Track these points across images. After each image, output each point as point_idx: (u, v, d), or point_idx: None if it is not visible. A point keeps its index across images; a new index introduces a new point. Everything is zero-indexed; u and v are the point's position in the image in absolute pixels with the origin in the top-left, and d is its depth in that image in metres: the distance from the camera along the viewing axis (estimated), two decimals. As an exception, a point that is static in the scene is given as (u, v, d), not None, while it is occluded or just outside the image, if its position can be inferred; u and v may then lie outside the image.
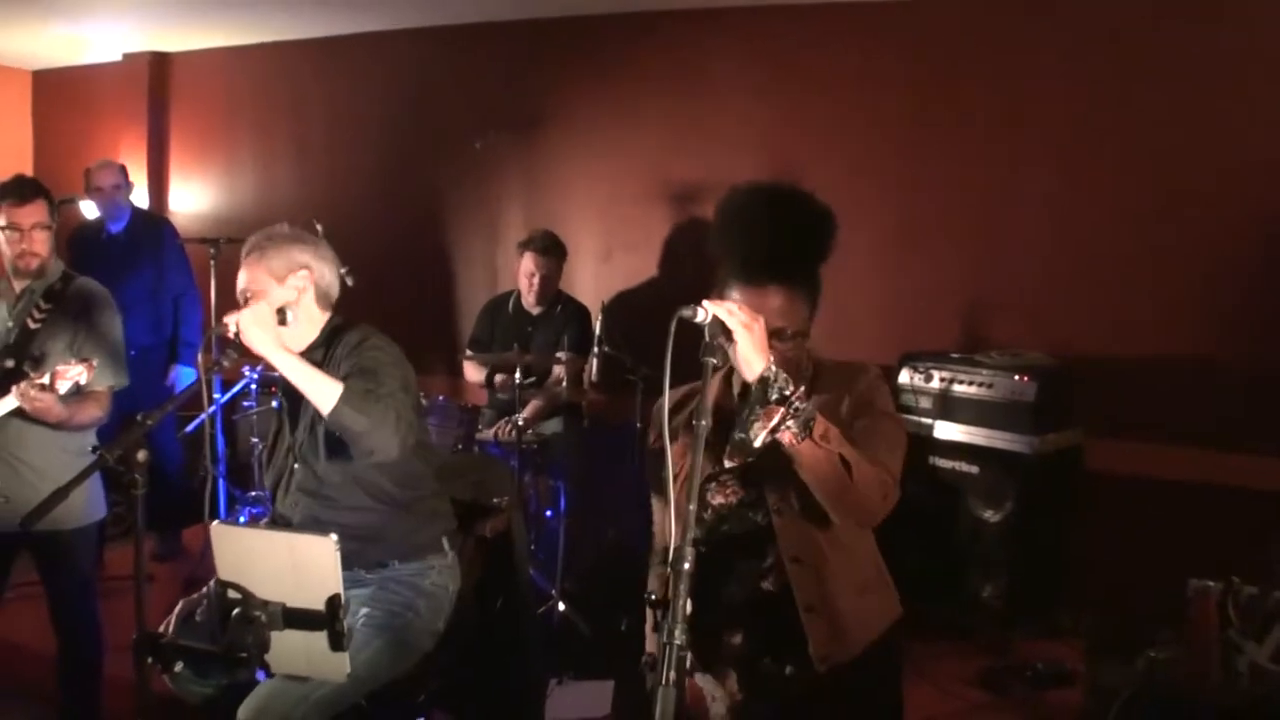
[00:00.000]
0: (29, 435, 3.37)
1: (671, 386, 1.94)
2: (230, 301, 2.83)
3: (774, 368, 2.05)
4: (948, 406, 4.49)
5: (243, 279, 2.90)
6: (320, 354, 2.90)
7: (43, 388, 3.11)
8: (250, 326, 2.64)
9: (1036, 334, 4.76)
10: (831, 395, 2.34)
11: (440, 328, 6.35)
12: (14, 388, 3.16)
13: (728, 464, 2.38)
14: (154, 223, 5.98)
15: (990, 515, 4.36)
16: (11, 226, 3.44)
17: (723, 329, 2.01)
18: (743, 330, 2.02)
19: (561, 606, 4.71)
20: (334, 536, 2.33)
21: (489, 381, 5.23)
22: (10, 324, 3.46)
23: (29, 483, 3.34)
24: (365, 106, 6.63)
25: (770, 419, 2.06)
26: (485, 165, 6.23)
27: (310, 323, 2.94)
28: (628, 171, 5.85)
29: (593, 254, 5.94)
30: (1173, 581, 3.37)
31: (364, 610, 2.81)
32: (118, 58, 7.28)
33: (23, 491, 3.30)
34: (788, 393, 2.05)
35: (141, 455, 2.32)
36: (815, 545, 2.31)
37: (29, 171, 7.10)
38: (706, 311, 1.98)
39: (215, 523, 2.41)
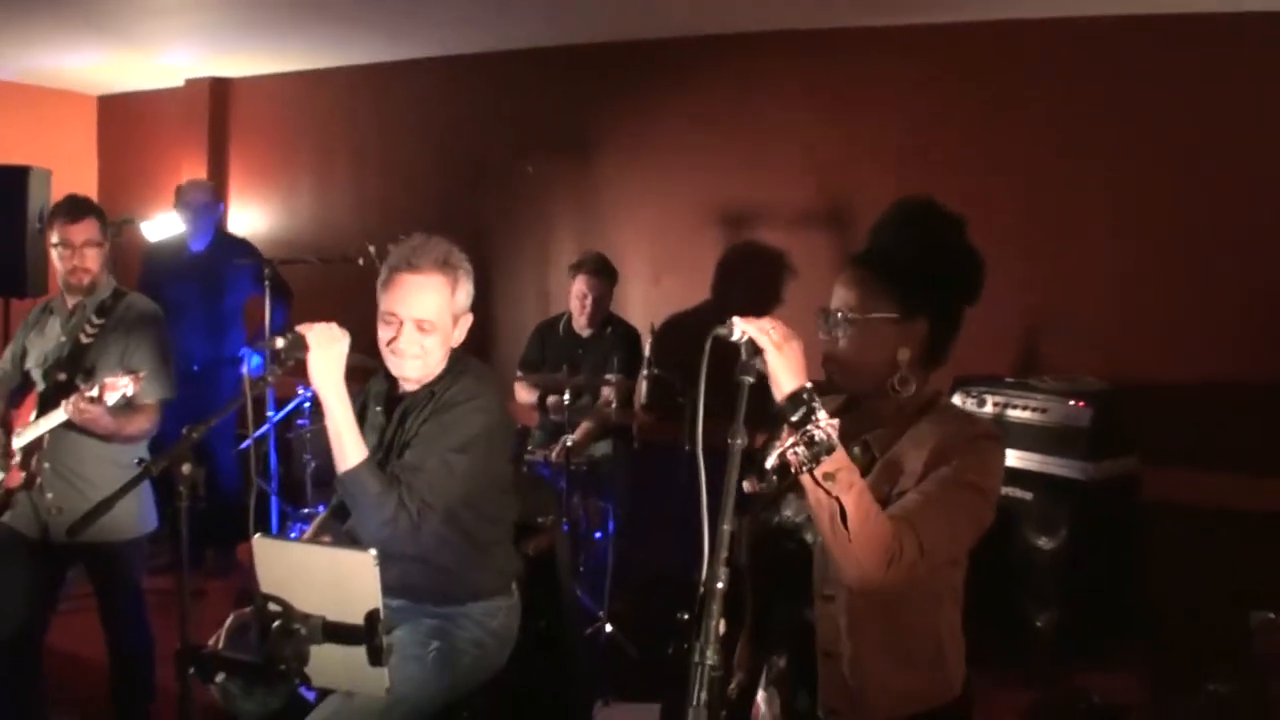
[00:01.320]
0: (82, 449, 3.43)
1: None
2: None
3: (809, 390, 1.87)
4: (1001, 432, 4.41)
5: (428, 305, 2.74)
6: (443, 386, 2.79)
7: (92, 400, 3.15)
8: (321, 355, 2.52)
9: (1093, 359, 4.68)
10: (922, 437, 2.11)
11: (492, 350, 6.36)
12: (64, 401, 3.22)
13: (745, 488, 1.97)
14: (235, 245, 5.92)
15: (1044, 543, 4.27)
16: (64, 244, 3.52)
17: (756, 348, 1.88)
18: (773, 350, 1.87)
19: (609, 628, 4.71)
20: (373, 552, 2.30)
21: (540, 403, 5.26)
22: (63, 338, 3.54)
23: (83, 495, 3.39)
24: (419, 131, 6.71)
25: (784, 440, 1.87)
26: (537, 189, 6.28)
27: (444, 355, 2.82)
28: (677, 195, 5.85)
29: (643, 278, 5.94)
30: (1233, 613, 3.28)
31: (435, 643, 2.77)
32: (180, 83, 7.44)
33: (76, 504, 3.34)
34: (809, 413, 1.85)
35: (186, 468, 2.29)
36: (851, 590, 2.03)
37: (93, 193, 7.29)
38: (741, 329, 1.89)
39: (257, 536, 2.39)
